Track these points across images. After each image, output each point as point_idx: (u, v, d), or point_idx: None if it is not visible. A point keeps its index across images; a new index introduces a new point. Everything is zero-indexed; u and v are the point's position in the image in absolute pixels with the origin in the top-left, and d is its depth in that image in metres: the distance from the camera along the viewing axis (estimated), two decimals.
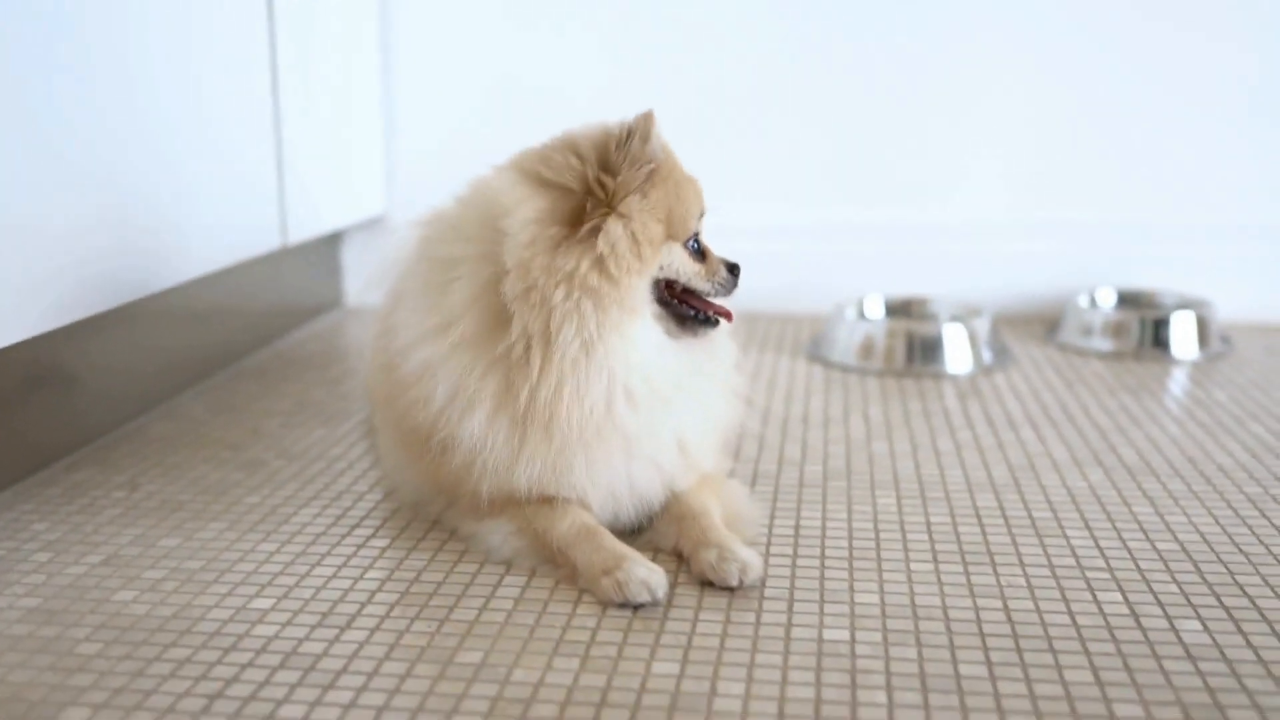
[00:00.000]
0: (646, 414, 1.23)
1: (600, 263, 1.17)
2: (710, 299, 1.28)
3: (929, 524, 1.37)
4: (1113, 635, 1.10)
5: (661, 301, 1.25)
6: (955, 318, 2.14)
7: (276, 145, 2.02)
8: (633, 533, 1.30)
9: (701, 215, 1.29)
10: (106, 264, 1.55)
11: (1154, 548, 1.31)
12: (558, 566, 1.22)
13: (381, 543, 1.32)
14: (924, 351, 2.07)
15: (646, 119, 1.20)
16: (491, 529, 1.27)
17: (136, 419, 1.76)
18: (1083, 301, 2.28)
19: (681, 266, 1.25)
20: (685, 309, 1.27)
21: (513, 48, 2.49)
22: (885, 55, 2.43)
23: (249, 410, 1.82)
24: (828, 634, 1.10)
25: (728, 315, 1.29)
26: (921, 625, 1.12)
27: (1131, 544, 1.32)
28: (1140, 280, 2.39)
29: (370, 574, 1.24)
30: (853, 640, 1.09)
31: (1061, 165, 2.44)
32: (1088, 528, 1.37)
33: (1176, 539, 1.33)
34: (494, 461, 1.21)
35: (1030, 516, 1.40)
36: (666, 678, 1.02)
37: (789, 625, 1.12)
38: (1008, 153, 2.44)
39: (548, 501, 1.25)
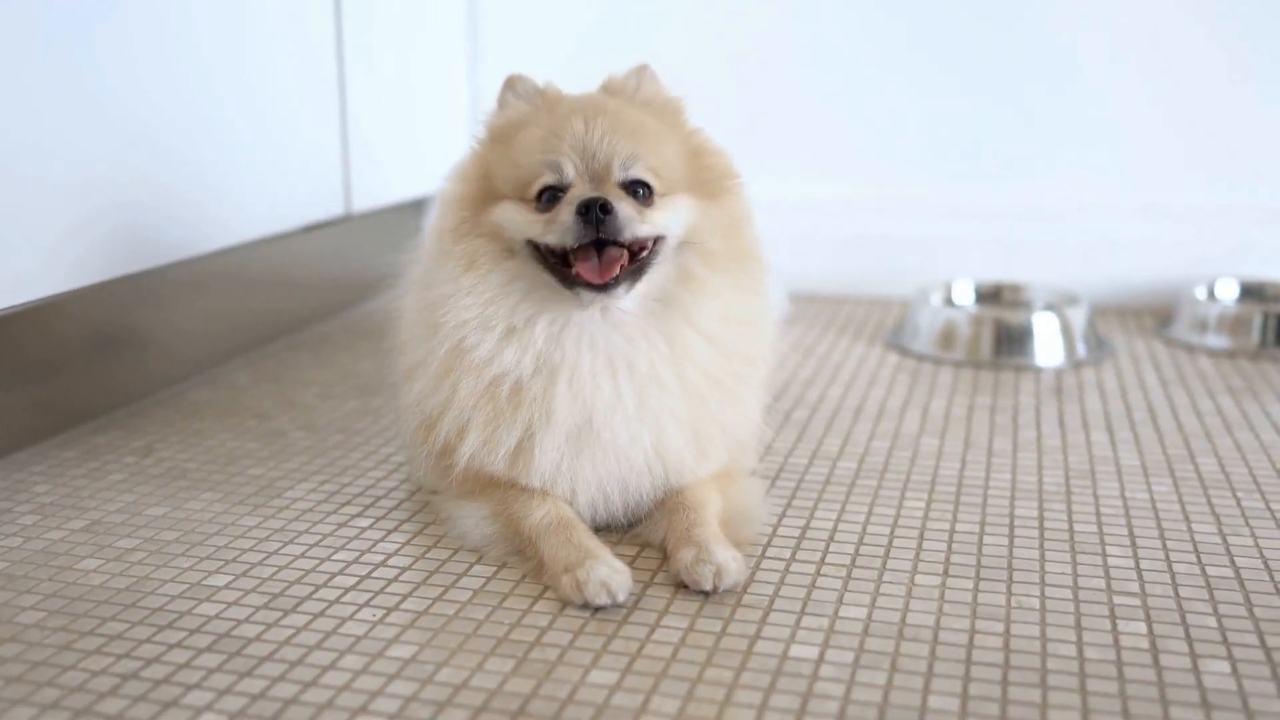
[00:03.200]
0: (591, 393, 1.15)
1: (453, 231, 1.20)
2: (574, 250, 1.11)
3: (952, 533, 1.25)
4: (1120, 673, 0.97)
5: (549, 268, 1.15)
6: (1048, 306, 1.98)
7: (340, 115, 2.00)
8: (629, 526, 1.23)
9: (591, 162, 1.14)
10: (142, 224, 1.55)
11: (1203, 573, 1.16)
12: (526, 558, 1.14)
13: (364, 523, 1.27)
14: (1011, 342, 1.92)
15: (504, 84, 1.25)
16: (466, 512, 1.20)
17: (179, 384, 1.76)
18: (1199, 293, 2.08)
19: (509, 222, 1.16)
20: (565, 270, 1.13)
21: (598, 8, 2.41)
22: (984, 20, 2.26)
23: (291, 380, 1.80)
24: (794, 650, 1.00)
25: (592, 274, 1.10)
26: (903, 647, 1.01)
27: (1178, 567, 1.17)
28: (1267, 270, 2.17)
29: (338, 555, 1.19)
30: (820, 659, 0.99)
31: (1178, 142, 2.23)
32: (1133, 546, 1.22)
33: (1233, 564, 1.18)
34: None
35: (1070, 530, 1.26)
36: (599, 688, 0.94)
37: (754, 638, 1.02)
38: (1118, 128, 2.24)
39: (528, 490, 1.18)
